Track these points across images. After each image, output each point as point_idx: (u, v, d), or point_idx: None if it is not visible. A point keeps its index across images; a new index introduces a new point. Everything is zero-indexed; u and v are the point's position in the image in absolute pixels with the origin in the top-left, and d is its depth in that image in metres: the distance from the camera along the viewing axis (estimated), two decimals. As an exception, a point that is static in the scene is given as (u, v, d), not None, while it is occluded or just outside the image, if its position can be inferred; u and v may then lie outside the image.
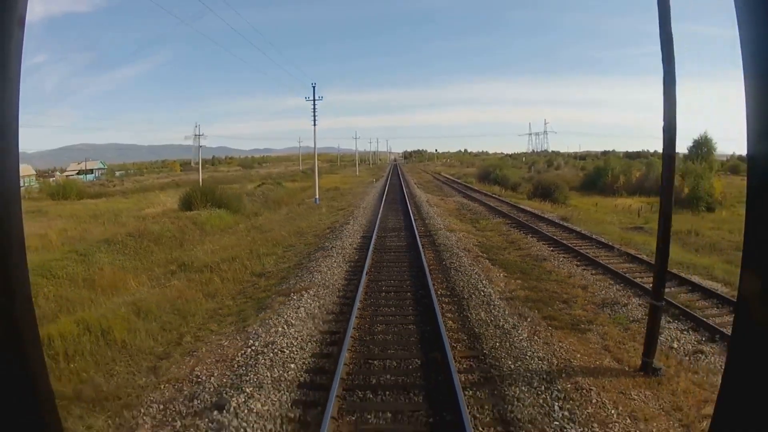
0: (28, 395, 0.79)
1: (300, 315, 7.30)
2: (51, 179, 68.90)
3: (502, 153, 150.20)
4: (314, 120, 28.91)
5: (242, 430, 4.41)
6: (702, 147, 57.36)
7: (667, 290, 9.63)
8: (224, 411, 4.81)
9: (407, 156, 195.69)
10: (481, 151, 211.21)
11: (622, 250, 12.71)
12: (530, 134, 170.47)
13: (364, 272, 9.55)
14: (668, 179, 5.23)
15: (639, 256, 12.19)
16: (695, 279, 10.53)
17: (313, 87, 28.80)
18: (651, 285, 9.84)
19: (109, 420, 5.52)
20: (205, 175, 51.93)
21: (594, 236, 14.92)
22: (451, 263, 10.68)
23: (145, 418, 5.42)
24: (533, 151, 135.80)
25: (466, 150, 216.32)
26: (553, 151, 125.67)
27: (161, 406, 5.54)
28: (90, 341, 8.02)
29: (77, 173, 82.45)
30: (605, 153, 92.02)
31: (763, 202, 0.72)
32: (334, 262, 10.92)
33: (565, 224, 17.77)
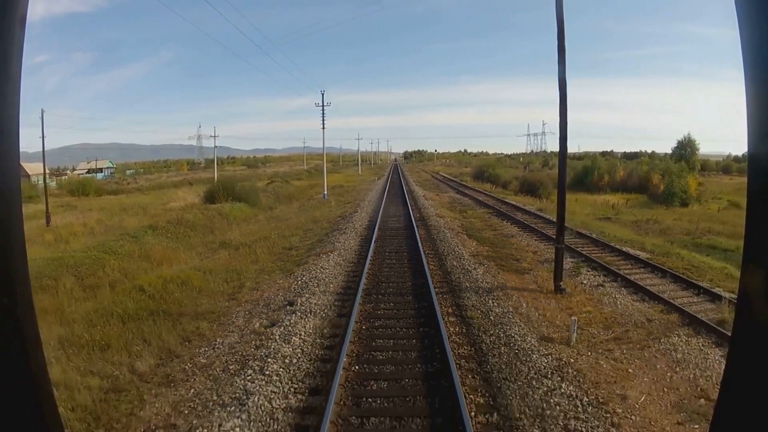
0: (29, 395, 0.78)
1: (330, 264, 10.65)
2: (63, 177, 71.99)
3: (501, 153, 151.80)
4: (323, 123, 32.29)
5: (308, 309, 7.72)
6: (686, 148, 60.99)
7: (596, 254, 13.12)
8: (294, 305, 8.12)
9: (407, 156, 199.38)
10: (481, 151, 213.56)
11: (575, 230, 16.03)
12: (528, 135, 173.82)
13: (373, 241, 12.89)
14: (562, 170, 8.60)
15: (588, 234, 15.53)
16: (626, 249, 13.85)
17: (322, 94, 32.19)
18: (585, 250, 13.25)
19: (211, 323, 8.73)
20: (213, 174, 55.05)
21: (559, 221, 18.22)
22: (437, 236, 14.05)
23: (237, 318, 8.68)
24: (532, 151, 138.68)
25: (465, 150, 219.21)
26: (551, 152, 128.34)
27: (247, 312, 8.83)
28: (175, 287, 11.20)
29: (87, 172, 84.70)
30: (604, 154, 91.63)
31: (763, 202, 0.73)
32: (349, 236, 14.26)
33: (539, 214, 21.08)
